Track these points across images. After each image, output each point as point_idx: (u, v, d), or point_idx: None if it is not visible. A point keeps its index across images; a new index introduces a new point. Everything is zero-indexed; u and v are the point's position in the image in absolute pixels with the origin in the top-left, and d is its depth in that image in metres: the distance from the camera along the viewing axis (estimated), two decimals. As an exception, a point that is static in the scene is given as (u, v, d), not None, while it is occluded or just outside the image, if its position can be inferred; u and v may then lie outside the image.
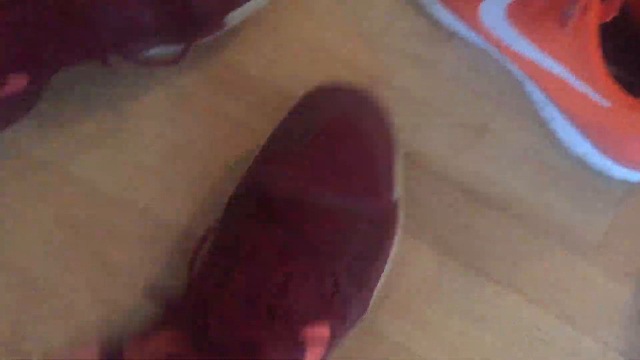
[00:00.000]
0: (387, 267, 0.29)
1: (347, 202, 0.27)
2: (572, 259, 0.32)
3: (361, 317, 0.28)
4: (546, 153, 0.33)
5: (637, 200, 0.33)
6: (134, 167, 0.32)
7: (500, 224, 0.32)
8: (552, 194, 0.32)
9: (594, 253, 0.32)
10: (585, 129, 0.30)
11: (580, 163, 0.32)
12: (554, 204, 0.32)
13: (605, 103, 0.27)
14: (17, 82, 0.26)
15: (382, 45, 0.34)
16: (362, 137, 0.28)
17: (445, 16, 0.33)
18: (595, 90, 0.27)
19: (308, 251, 0.25)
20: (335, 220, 0.26)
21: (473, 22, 0.31)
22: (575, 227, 0.32)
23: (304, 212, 0.26)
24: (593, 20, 0.25)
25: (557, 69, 0.28)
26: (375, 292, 0.28)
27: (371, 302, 0.28)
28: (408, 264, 0.31)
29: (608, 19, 0.25)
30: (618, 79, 0.27)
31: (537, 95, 0.32)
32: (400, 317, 0.30)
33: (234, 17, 0.31)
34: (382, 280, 0.29)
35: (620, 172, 0.31)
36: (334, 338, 0.26)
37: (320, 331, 0.25)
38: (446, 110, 0.33)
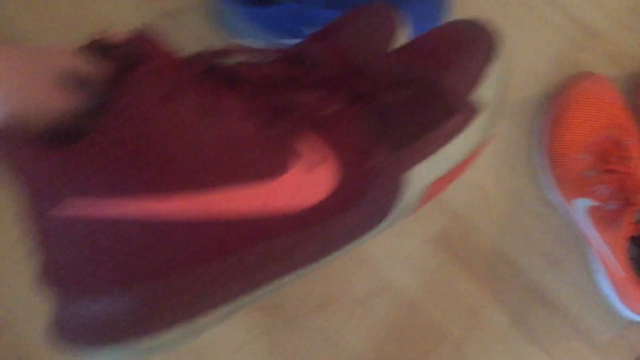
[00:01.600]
0: (439, 162, 0.31)
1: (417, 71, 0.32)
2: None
3: (384, 200, 0.31)
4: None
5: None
6: None
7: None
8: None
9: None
10: (612, 282, 0.56)
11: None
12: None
13: (622, 274, 0.53)
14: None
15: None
16: (461, 32, 0.34)
17: (555, 198, 0.60)
18: (619, 265, 0.53)
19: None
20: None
21: (568, 208, 0.58)
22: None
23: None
24: (624, 233, 0.51)
25: (606, 249, 0.54)
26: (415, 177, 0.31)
27: (404, 190, 0.31)
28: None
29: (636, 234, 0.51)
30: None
31: (593, 261, 0.58)
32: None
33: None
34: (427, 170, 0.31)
35: (627, 313, 0.56)
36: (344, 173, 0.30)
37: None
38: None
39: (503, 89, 0.33)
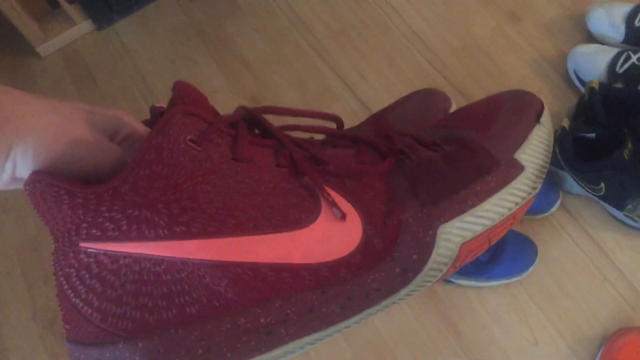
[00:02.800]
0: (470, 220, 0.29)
1: (462, 133, 0.32)
2: None
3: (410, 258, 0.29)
4: None
5: None
6: None
7: None
8: None
9: None
10: None
11: None
12: None
13: None
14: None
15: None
16: (507, 97, 0.34)
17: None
18: None
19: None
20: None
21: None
22: None
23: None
24: None
25: None
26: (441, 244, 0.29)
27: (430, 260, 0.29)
28: None
29: None
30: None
31: None
32: None
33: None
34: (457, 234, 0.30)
35: None
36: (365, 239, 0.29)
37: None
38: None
39: (546, 151, 0.31)
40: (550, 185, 0.72)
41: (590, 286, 0.66)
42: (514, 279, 0.75)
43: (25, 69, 1.05)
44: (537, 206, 0.75)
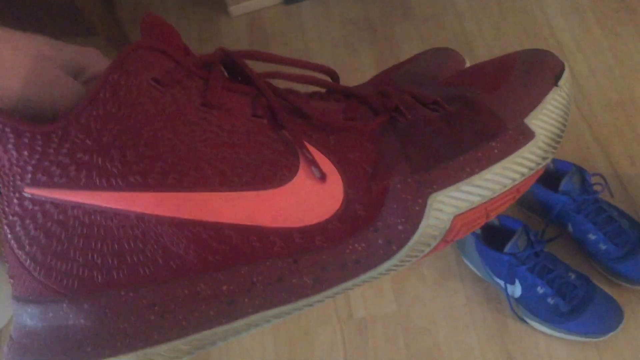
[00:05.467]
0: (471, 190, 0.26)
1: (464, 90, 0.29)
2: None
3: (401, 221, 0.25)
4: None
5: None
6: None
7: None
8: None
9: None
10: None
11: None
12: None
13: None
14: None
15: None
16: (523, 56, 0.30)
17: None
18: None
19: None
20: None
21: None
22: None
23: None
24: None
25: None
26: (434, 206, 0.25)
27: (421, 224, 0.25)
28: None
29: None
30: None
31: None
32: None
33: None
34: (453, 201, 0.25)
35: None
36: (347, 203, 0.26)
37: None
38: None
39: (563, 118, 0.27)
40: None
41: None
42: (592, 339, 0.72)
43: (213, 24, 1.19)
44: (637, 276, 0.71)
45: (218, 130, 0.26)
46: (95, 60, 0.28)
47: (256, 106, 0.27)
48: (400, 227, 0.25)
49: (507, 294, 0.77)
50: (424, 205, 0.25)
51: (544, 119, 0.28)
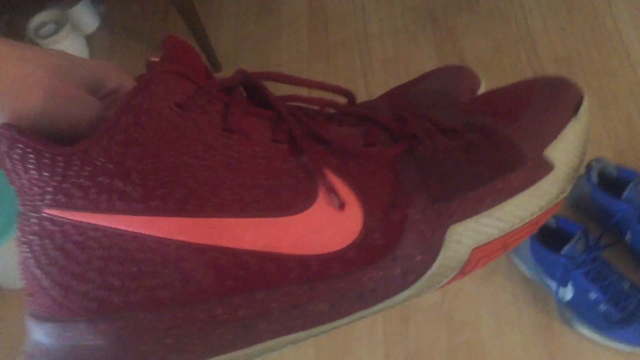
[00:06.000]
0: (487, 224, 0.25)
1: (485, 119, 0.28)
2: None
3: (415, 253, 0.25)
4: None
5: None
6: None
7: None
8: None
9: None
10: None
11: None
12: None
13: None
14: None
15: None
16: (544, 85, 0.30)
17: None
18: None
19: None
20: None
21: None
22: None
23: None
24: None
25: None
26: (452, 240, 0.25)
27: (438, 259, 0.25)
28: None
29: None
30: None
31: None
32: None
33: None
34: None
35: None
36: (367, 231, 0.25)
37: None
38: None
39: (581, 151, 0.27)
40: None
41: None
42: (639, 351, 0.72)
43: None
44: None
45: (238, 156, 0.26)
46: (112, 74, 0.28)
47: (276, 131, 0.27)
48: (418, 258, 0.25)
49: (558, 297, 0.77)
50: (442, 237, 0.25)
51: (562, 151, 0.28)
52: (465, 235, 0.25)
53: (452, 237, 0.25)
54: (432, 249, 0.25)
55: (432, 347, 0.78)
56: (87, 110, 0.26)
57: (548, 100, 0.29)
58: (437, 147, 0.28)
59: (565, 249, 0.75)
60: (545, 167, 0.27)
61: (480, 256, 0.26)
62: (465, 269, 0.26)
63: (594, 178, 0.82)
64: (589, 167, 0.83)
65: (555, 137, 0.28)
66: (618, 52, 0.94)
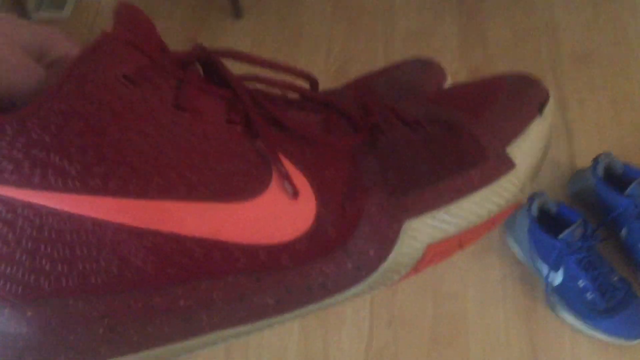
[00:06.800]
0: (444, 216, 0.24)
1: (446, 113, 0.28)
2: None
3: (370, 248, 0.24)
4: None
5: None
6: None
7: None
8: None
9: None
10: None
11: None
12: None
13: None
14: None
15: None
16: (509, 81, 0.30)
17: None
18: None
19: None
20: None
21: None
22: None
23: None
24: None
25: None
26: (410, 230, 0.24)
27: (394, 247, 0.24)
28: None
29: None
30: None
31: None
32: None
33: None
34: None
35: None
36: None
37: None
38: None
39: (543, 150, 0.26)
40: None
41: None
42: (619, 342, 0.73)
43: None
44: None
45: (188, 136, 0.24)
46: (58, 41, 0.26)
47: (231, 111, 0.26)
48: (371, 253, 0.24)
49: (547, 281, 0.78)
50: (398, 232, 0.24)
51: (525, 149, 0.27)
52: (421, 231, 0.25)
53: (407, 232, 0.24)
54: (387, 243, 0.24)
55: (417, 314, 0.79)
56: (29, 77, 0.24)
57: (514, 98, 0.29)
58: (398, 139, 0.27)
59: (564, 234, 0.77)
60: (507, 165, 0.26)
61: (435, 253, 0.25)
62: (418, 266, 0.25)
63: (600, 171, 0.84)
64: (596, 160, 0.85)
65: (518, 134, 0.27)
66: (637, 55, 0.96)
